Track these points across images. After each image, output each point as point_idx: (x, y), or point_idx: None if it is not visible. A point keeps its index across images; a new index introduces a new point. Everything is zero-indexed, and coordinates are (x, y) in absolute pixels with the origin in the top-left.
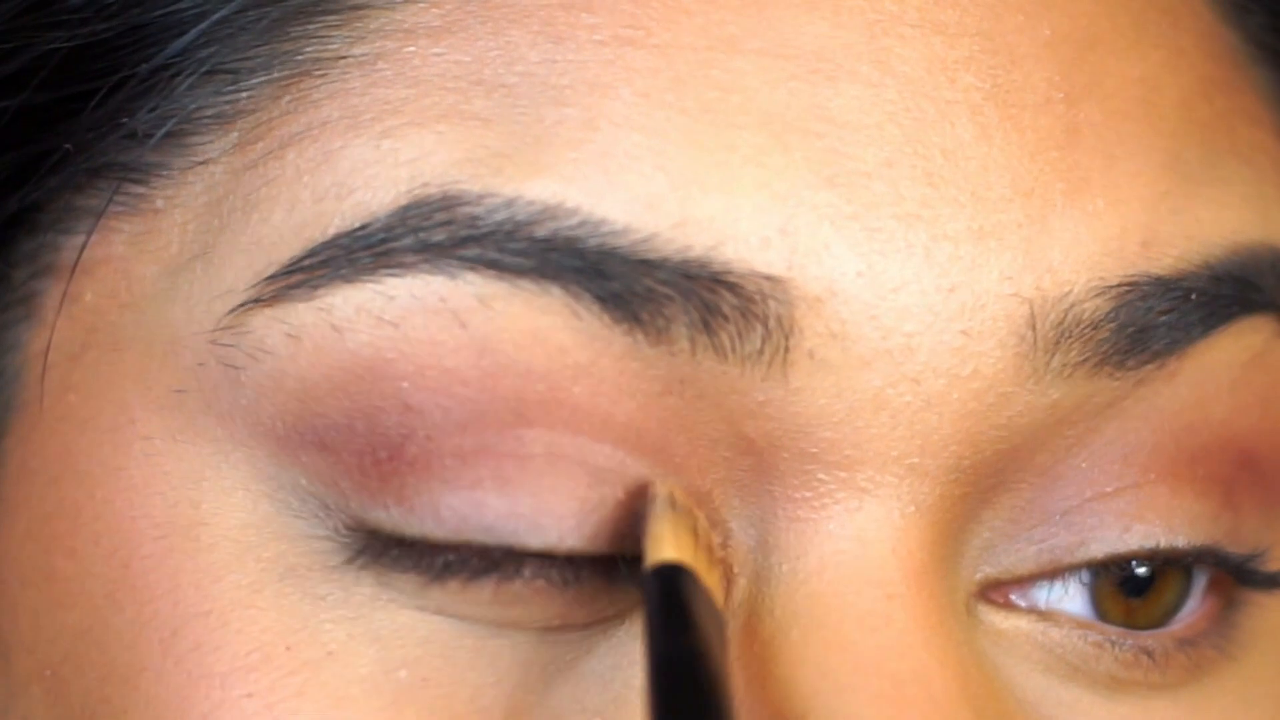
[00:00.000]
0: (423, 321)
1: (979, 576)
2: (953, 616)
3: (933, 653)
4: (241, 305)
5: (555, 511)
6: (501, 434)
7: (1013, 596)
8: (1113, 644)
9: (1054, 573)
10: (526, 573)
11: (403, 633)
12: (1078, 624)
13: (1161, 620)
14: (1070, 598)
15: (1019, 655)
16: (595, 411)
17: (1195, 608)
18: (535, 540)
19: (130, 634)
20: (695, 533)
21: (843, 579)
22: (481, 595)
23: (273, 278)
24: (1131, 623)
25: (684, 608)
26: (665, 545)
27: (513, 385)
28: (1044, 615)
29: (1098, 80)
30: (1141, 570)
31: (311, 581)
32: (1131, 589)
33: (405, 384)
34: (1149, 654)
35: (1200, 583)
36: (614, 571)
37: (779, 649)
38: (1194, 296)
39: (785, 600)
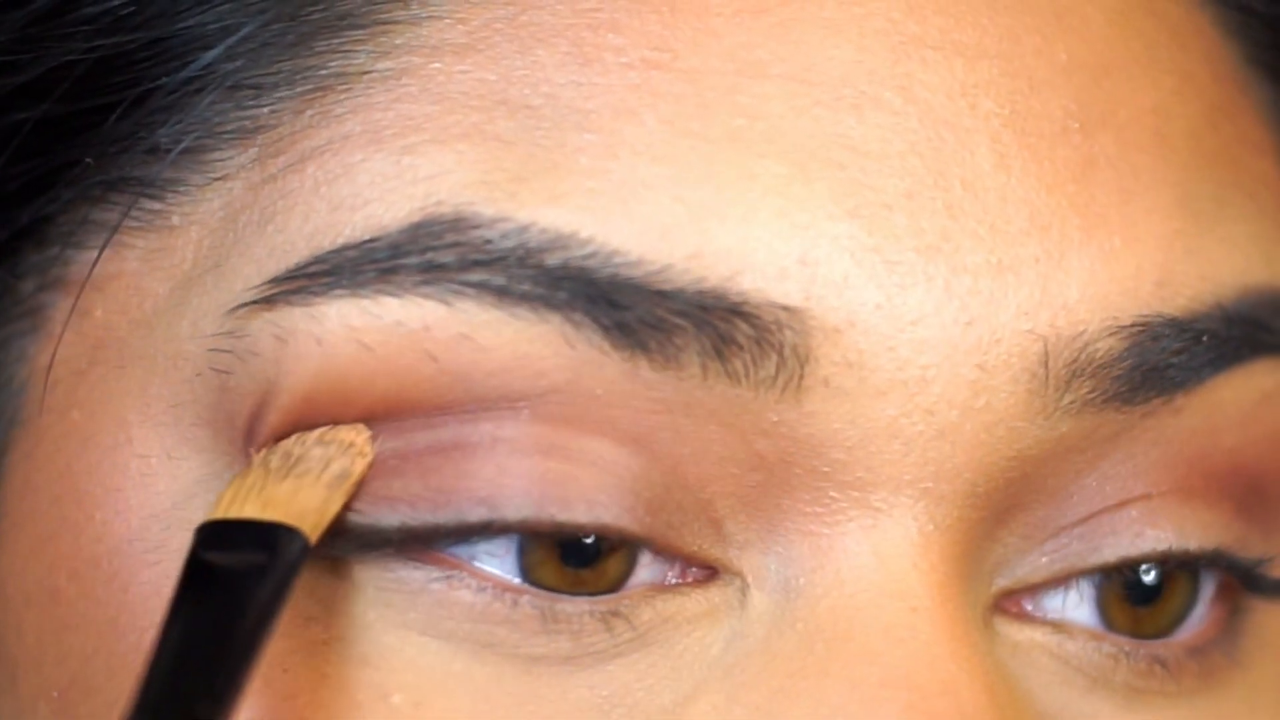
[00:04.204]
0: (397, 349)
1: (994, 589)
2: (976, 629)
3: (960, 664)
4: (242, 307)
5: (513, 486)
6: (459, 430)
7: (1025, 605)
8: (1126, 655)
9: (1067, 578)
10: (523, 600)
11: (390, 655)
12: (1091, 635)
13: (1168, 629)
14: (1078, 606)
15: (1036, 667)
16: (575, 414)
17: (1204, 615)
18: (511, 514)
19: (134, 661)
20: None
21: (863, 592)
22: (459, 607)
23: (275, 280)
24: (1138, 631)
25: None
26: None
27: (477, 404)
28: (1058, 627)
29: (1112, 109)
30: (1149, 578)
31: (299, 599)
32: (1139, 597)
33: (365, 405)
34: (1162, 663)
35: (1207, 591)
36: (612, 613)
37: (804, 663)
38: (1205, 338)
39: (808, 614)
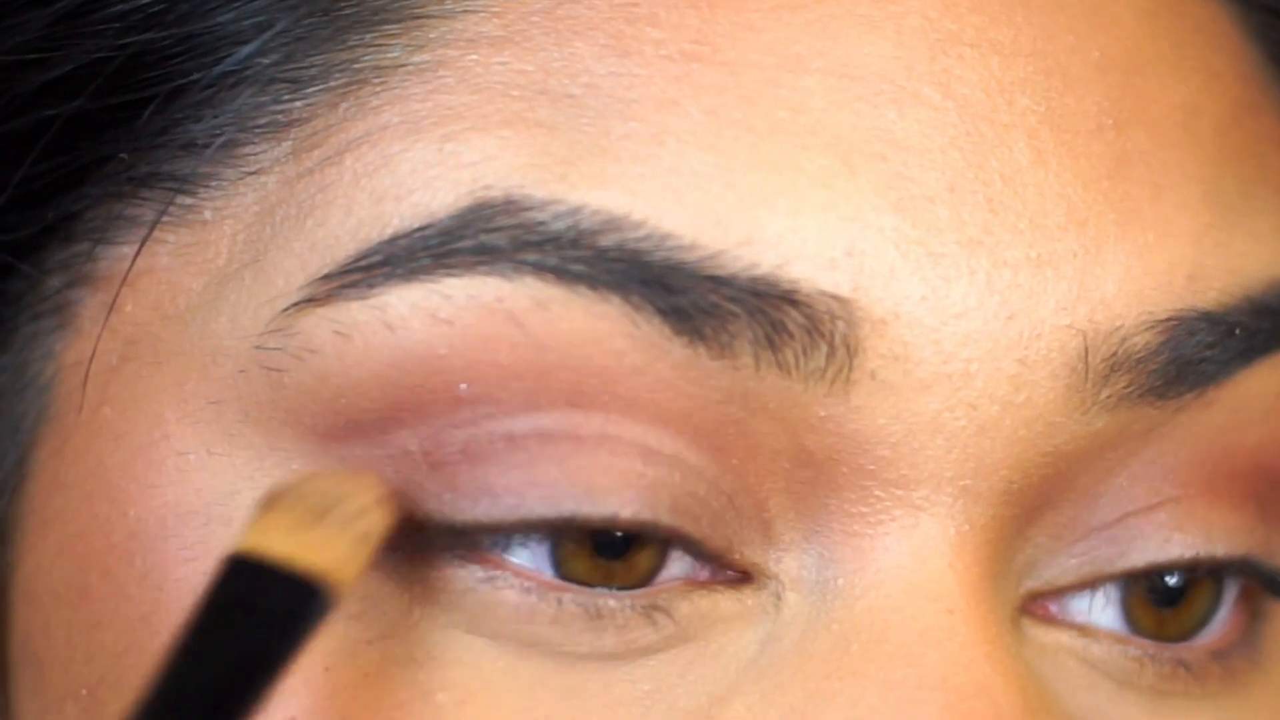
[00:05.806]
0: (477, 320)
1: (1022, 591)
2: (1007, 630)
3: (994, 666)
4: (293, 306)
5: (614, 483)
6: (556, 419)
7: (1051, 608)
8: (1151, 658)
9: (1094, 582)
10: (566, 599)
11: (435, 654)
12: (1116, 639)
13: (1191, 632)
14: (1103, 609)
15: (1063, 670)
16: (653, 403)
17: (1226, 618)
18: (595, 510)
19: None
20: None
21: (901, 593)
22: (505, 607)
23: (327, 277)
24: (1162, 634)
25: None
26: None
27: (568, 378)
28: (1084, 630)
29: (1144, 106)
30: (1173, 581)
31: (344, 599)
32: (1163, 600)
33: (456, 378)
34: (1186, 666)
35: (1230, 595)
36: (652, 606)
37: (839, 664)
38: (1237, 331)
39: (844, 614)
